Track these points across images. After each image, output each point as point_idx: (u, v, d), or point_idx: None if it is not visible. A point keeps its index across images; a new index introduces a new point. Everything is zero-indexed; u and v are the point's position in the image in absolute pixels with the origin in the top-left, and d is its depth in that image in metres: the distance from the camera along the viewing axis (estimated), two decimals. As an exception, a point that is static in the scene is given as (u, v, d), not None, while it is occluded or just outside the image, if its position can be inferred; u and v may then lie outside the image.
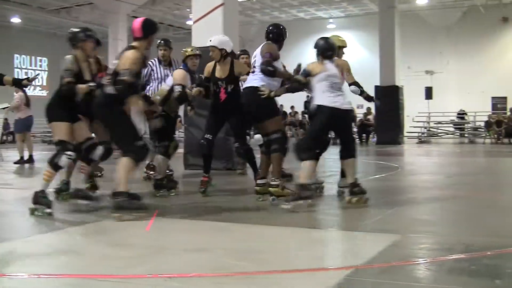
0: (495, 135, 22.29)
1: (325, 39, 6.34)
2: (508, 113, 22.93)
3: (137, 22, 5.59)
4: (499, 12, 27.85)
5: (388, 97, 19.70)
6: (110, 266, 3.62)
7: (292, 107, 25.68)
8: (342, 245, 4.38)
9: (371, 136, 22.93)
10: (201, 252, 4.04)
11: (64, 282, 3.34)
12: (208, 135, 6.89)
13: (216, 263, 3.71)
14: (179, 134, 11.34)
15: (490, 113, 22.96)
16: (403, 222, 5.27)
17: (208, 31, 10.46)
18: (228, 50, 6.72)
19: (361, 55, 30.73)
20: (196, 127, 10.40)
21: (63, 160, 5.52)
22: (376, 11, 24.34)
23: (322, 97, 5.95)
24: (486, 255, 3.76)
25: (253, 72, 6.55)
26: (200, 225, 5.14)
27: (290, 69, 6.85)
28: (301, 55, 30.05)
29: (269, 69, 6.21)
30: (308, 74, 6.10)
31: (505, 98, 26.31)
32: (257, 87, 6.35)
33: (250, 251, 4.14)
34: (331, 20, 31.26)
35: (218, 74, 6.79)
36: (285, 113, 24.00)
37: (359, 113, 24.34)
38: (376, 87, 20.48)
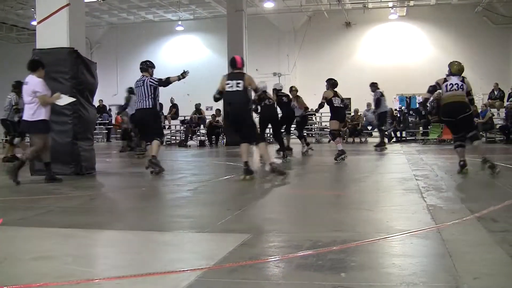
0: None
1: None
2: (352, 114, 24.21)
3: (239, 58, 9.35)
4: (342, 17, 29.50)
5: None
6: None
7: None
8: (192, 247, 4.36)
9: (220, 137, 23.20)
10: (48, 260, 3.88)
11: None
12: None
13: (63, 270, 3.58)
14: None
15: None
16: (252, 221, 5.37)
17: (53, 32, 10.05)
18: None
19: (209, 57, 31.13)
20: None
21: None
22: (225, 14, 24.77)
23: None
24: (331, 250, 3.93)
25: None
26: (46, 233, 4.92)
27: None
28: (151, 56, 29.95)
29: None
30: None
31: (349, 98, 27.71)
32: None
33: (98, 257, 4.03)
34: (180, 23, 31.29)
35: None
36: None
37: (208, 115, 24.53)
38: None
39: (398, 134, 23.03)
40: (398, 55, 29.20)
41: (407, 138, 23.08)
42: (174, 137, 25.71)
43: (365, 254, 3.93)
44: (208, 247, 4.34)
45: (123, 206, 6.83)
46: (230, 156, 15.54)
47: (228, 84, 8.87)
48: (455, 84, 8.92)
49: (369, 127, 23.41)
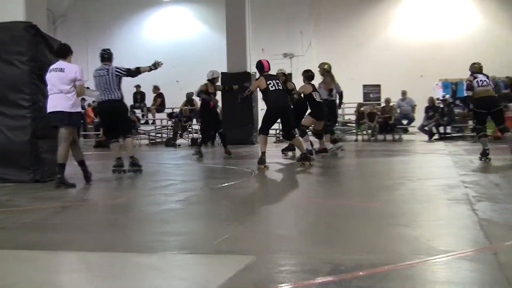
0: (369, 130, 23.36)
1: None
2: (383, 104, 24.04)
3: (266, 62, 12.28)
4: (370, -16, 29.44)
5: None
6: None
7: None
8: (181, 272, 4.35)
9: (217, 134, 23.16)
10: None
11: None
12: None
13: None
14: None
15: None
16: (257, 239, 5.35)
17: (5, 1, 10.02)
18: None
19: (203, 34, 30.99)
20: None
21: None
22: (222, -18, 24.74)
23: None
24: (357, 276, 3.91)
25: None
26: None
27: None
28: (131, 33, 29.92)
29: None
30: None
31: (379, 86, 27.54)
32: None
33: (64, 286, 4.06)
34: (167, -8, 31.24)
35: None
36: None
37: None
38: (223, 74, 20.66)
39: (442, 129, 22.92)
40: (440, 31, 28.99)
41: (453, 134, 22.99)
42: (159, 135, 25.69)
43: (399, 281, 3.91)
44: (202, 272, 4.33)
45: (96, 221, 6.81)
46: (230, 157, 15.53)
47: (270, 84, 11.82)
48: (484, 80, 12.24)
49: (404, 121, 23.33)
